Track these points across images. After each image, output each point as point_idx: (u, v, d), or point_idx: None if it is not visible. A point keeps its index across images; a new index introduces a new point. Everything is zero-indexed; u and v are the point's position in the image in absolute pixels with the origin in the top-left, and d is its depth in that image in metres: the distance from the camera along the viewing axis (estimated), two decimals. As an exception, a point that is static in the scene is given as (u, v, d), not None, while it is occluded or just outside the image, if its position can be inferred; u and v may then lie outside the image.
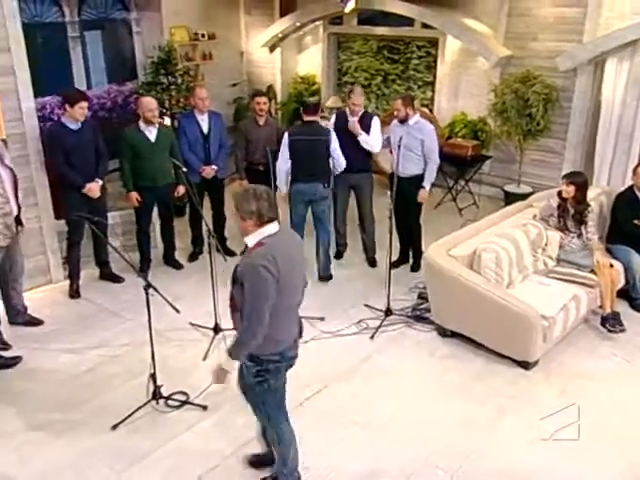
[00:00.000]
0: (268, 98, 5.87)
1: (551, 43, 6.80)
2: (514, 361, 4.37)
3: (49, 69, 5.76)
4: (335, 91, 9.09)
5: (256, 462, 3.52)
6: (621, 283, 4.99)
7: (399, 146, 5.07)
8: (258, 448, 3.52)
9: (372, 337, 4.75)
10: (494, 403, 4.00)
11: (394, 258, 5.57)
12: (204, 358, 4.48)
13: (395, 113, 5.46)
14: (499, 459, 3.56)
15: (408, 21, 7.94)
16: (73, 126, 4.90)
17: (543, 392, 4.12)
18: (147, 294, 3.78)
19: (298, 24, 8.58)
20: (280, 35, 8.77)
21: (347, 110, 5.57)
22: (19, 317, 4.82)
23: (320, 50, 9.03)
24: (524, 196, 6.68)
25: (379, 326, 4.84)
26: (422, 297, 5.25)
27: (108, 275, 5.54)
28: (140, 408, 3.89)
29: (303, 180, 5.28)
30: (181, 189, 5.59)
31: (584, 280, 4.75)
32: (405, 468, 3.49)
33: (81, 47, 6.39)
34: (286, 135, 5.27)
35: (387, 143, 5.65)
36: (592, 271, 4.82)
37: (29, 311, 4.93)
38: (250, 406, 3.20)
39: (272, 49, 9.01)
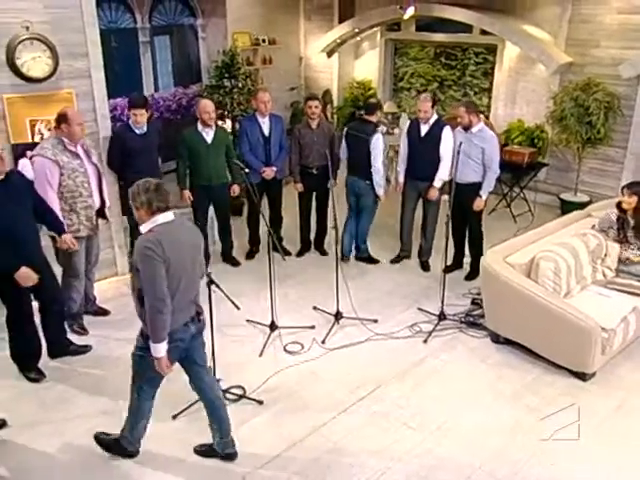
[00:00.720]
0: (323, 102, 5.87)
1: (614, 50, 6.54)
2: (570, 372, 4.22)
3: (121, 72, 5.92)
4: (391, 96, 9.02)
5: (202, 452, 3.57)
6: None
7: (458, 152, 4.97)
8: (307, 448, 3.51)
9: (425, 341, 4.67)
10: (549, 414, 3.87)
11: (446, 263, 5.46)
12: (260, 354, 4.50)
13: (458, 120, 5.36)
14: (554, 470, 3.44)
15: (466, 28, 7.81)
16: (138, 130, 5.02)
17: (600, 405, 3.96)
18: (210, 290, 3.81)
19: (356, 30, 8.55)
20: (338, 41, 8.76)
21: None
22: (89, 306, 4.96)
23: (377, 56, 8.98)
24: (581, 205, 6.48)
25: (432, 330, 4.76)
26: (475, 303, 5.15)
27: None
28: (198, 400, 3.92)
29: (349, 173, 5.70)
30: (236, 188, 5.66)
31: (645, 292, 4.55)
32: (459, 475, 3.41)
33: (150, 51, 6.54)
34: (345, 128, 5.74)
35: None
36: (653, 283, 4.62)
37: (97, 301, 5.07)
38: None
39: (330, 54, 9.01)
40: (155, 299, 2.94)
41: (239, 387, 4.09)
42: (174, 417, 3.84)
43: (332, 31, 8.75)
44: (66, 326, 4.59)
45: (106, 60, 5.09)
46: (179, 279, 3.04)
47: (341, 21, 8.74)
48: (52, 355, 4.39)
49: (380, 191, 5.62)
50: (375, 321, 4.92)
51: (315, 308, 5.11)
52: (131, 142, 4.96)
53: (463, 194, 5.25)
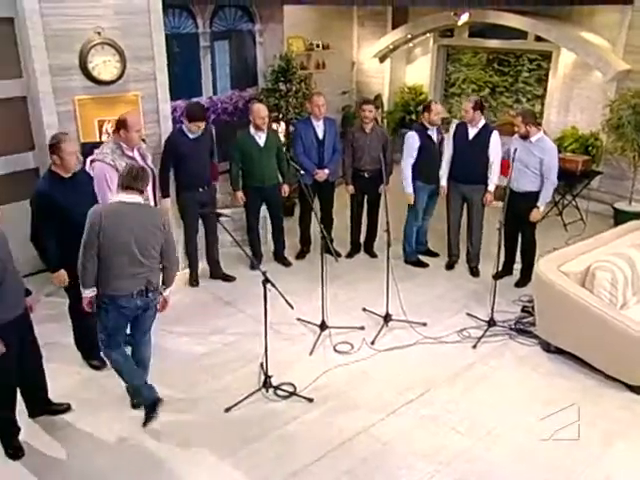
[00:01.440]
0: (375, 107, 5.81)
1: (675, 58, 6.29)
2: (625, 385, 4.06)
3: (181, 75, 6.01)
4: (441, 102, 8.89)
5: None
6: None
7: (513, 159, 4.85)
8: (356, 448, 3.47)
9: (474, 346, 4.58)
10: (602, 427, 3.72)
11: (497, 270, 5.34)
12: (310, 353, 4.50)
13: (515, 129, 5.23)
14: (608, 484, 3.32)
15: (520, 34, 7.62)
16: (191, 135, 5.05)
17: (656, 420, 3.80)
18: (265, 289, 3.84)
19: (409, 36, 8.48)
20: (391, 46, 8.70)
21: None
22: None
23: (429, 61, 8.88)
24: (636, 214, 6.24)
25: (482, 336, 4.66)
26: (525, 310, 5.01)
27: (220, 275, 5.61)
28: (251, 395, 3.97)
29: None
30: (286, 188, 5.68)
31: None
32: (510, 483, 3.33)
33: (210, 55, 6.63)
34: None
35: (506, 156, 5.42)
36: None
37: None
38: None
39: (382, 60, 8.96)
40: (80, 255, 3.46)
41: (290, 384, 4.10)
42: (227, 410, 3.86)
43: (385, 37, 8.70)
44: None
45: (169, 64, 5.18)
46: (115, 249, 3.45)
47: (394, 27, 8.68)
48: None
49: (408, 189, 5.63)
50: (424, 324, 4.85)
51: (364, 309, 5.07)
52: (183, 146, 5.01)
53: (518, 203, 5.11)
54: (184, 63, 6.27)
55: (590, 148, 7.05)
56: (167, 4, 5.09)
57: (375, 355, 4.48)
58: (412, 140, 5.53)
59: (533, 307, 4.84)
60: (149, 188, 4.55)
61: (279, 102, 6.71)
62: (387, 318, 4.83)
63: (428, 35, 8.64)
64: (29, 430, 3.65)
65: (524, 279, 5.48)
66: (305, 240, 6.11)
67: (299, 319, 4.85)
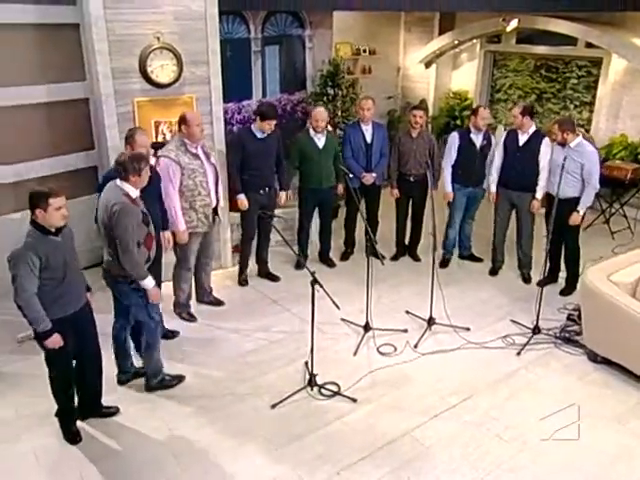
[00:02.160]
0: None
1: None
2: (676, 399, 3.89)
3: (233, 79, 6.04)
4: (486, 107, 8.70)
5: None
6: None
7: (562, 166, 4.71)
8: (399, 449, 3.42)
9: (519, 353, 4.46)
10: (654, 442, 3.58)
11: (542, 277, 5.20)
12: (354, 353, 4.47)
13: (553, 137, 5.10)
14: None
15: (570, 40, 7.41)
16: (259, 134, 5.06)
17: None
18: (313, 289, 3.83)
19: (456, 42, 8.35)
20: (437, 52, 8.59)
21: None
22: (205, 296, 5.10)
23: (475, 67, 8.72)
24: (688, 225, 5.98)
25: (526, 343, 4.54)
26: (571, 319, 4.86)
27: (266, 274, 5.63)
28: (296, 392, 3.96)
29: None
30: (340, 187, 5.66)
31: None
32: (556, 494, 3.23)
33: (261, 60, 6.66)
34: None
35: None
36: None
37: (212, 292, 5.18)
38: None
39: (428, 65, 8.85)
40: (134, 248, 3.51)
41: (334, 384, 4.07)
42: (273, 406, 3.87)
43: (432, 43, 8.59)
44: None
45: (221, 68, 5.21)
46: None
47: (441, 33, 8.56)
48: None
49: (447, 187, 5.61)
50: (467, 329, 4.76)
51: (407, 312, 5.01)
52: (250, 145, 5.02)
53: (560, 209, 4.96)
54: (236, 67, 6.30)
55: (640, 156, 6.81)
56: (222, 11, 5.14)
57: (418, 358, 4.42)
58: (452, 140, 5.56)
59: (579, 316, 4.70)
60: (212, 186, 4.63)
61: (327, 106, 6.68)
62: (430, 322, 4.76)
63: (475, 41, 8.49)
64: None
65: (569, 287, 5.33)
66: (350, 242, 6.08)
67: (343, 319, 4.82)
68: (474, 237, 6.07)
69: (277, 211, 5.60)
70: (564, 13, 6.95)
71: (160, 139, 5.08)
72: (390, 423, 3.74)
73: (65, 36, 5.03)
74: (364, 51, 8.51)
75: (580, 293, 4.56)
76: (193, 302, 5.00)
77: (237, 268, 5.58)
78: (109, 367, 3.92)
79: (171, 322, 4.75)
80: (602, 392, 4.05)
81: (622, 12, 6.76)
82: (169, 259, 4.68)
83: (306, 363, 4.20)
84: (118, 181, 3.55)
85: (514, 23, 7.26)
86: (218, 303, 5.11)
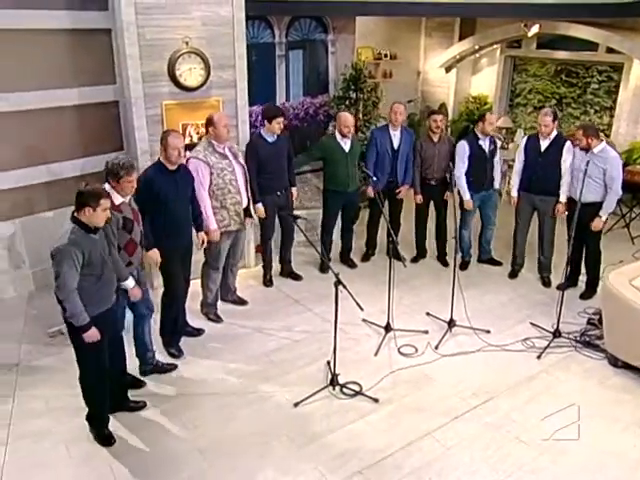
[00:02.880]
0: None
1: None
2: (699, 405, 3.81)
3: (258, 82, 6.06)
4: (506, 112, 8.64)
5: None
6: None
7: (585, 171, 4.64)
8: (420, 450, 3.38)
9: (539, 357, 4.40)
10: (676, 449, 3.51)
11: (563, 280, 5.13)
12: (375, 354, 4.44)
13: (576, 142, 5.02)
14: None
15: (590, 46, 7.31)
16: (269, 138, 5.03)
17: None
18: (337, 290, 3.81)
19: (477, 47, 8.28)
20: (458, 57, 8.54)
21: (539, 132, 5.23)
22: (229, 295, 5.11)
23: (495, 71, 8.65)
24: None
25: (547, 346, 4.48)
26: (591, 323, 4.78)
27: (289, 273, 5.63)
28: (319, 391, 3.95)
29: None
30: (371, 190, 5.50)
31: None
32: (579, 499, 3.18)
33: (285, 64, 6.68)
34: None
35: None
36: None
37: (236, 292, 5.18)
38: None
39: (448, 69, 8.80)
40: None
41: (356, 383, 4.05)
42: (296, 405, 3.86)
43: (452, 47, 8.54)
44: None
45: (247, 71, 5.22)
46: None
47: (462, 38, 8.50)
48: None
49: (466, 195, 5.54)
50: (488, 332, 4.70)
51: (428, 314, 4.97)
52: (262, 150, 5.01)
53: (582, 213, 4.88)
54: (260, 71, 6.32)
55: (661, 161, 6.68)
56: (248, 16, 5.15)
57: (439, 360, 4.38)
58: (462, 149, 5.46)
59: (599, 320, 4.63)
60: (241, 184, 4.63)
61: (349, 109, 6.68)
62: (451, 323, 4.72)
63: (495, 46, 8.41)
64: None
65: (589, 291, 5.26)
66: (372, 244, 6.04)
67: (364, 320, 4.80)
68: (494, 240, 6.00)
69: (300, 212, 5.59)
70: (585, 19, 6.85)
71: (187, 141, 5.10)
72: (411, 424, 3.71)
73: (97, 41, 5.08)
74: (385, 56, 8.48)
75: (602, 297, 4.48)
76: (218, 301, 5.01)
77: (260, 268, 5.59)
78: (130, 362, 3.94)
79: (196, 320, 4.78)
80: (622, 397, 3.97)
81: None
82: (198, 257, 4.69)
83: (328, 362, 4.19)
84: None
85: (535, 28, 7.18)
86: (241, 302, 5.11)
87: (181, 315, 4.43)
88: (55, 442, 3.53)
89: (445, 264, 5.92)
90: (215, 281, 4.80)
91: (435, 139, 5.57)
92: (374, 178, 4.71)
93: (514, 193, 5.44)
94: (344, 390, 3.99)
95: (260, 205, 5.04)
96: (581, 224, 4.94)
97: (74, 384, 3.53)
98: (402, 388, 4.06)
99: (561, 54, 7.76)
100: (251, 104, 5.65)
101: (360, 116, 6.79)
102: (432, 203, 5.84)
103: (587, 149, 4.92)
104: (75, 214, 3.13)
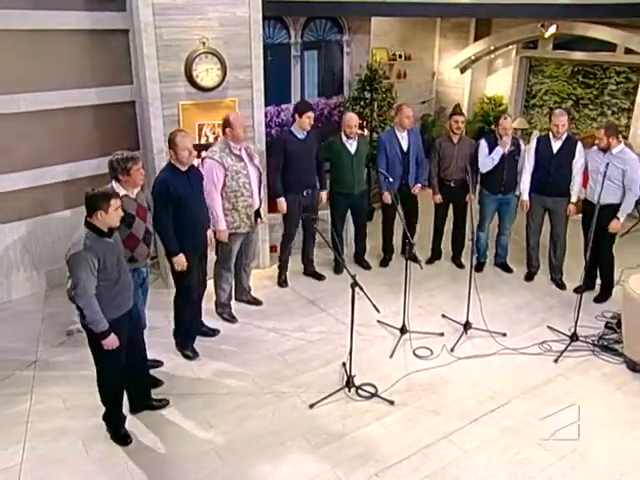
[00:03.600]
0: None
1: None
2: None
3: (273, 83, 6.05)
4: (522, 113, 8.57)
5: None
6: None
7: (604, 173, 4.59)
8: (437, 453, 3.35)
9: (556, 360, 4.35)
10: (697, 455, 3.45)
11: (580, 283, 5.07)
12: (390, 356, 4.42)
13: (596, 142, 4.96)
14: None
15: (608, 46, 7.22)
16: (300, 135, 5.04)
17: None
18: (353, 291, 3.80)
19: (492, 47, 8.22)
20: (473, 57, 8.48)
21: (550, 132, 5.18)
22: (244, 295, 5.11)
23: (510, 72, 8.58)
24: None
25: (564, 350, 4.43)
26: (609, 327, 4.72)
27: (312, 273, 5.63)
28: (335, 393, 3.93)
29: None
30: (387, 195, 5.43)
31: None
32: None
33: (300, 64, 6.66)
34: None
35: (585, 168, 5.15)
36: None
37: (251, 292, 5.17)
38: None
39: (463, 70, 8.74)
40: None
41: (371, 385, 4.03)
42: (311, 406, 3.85)
43: (467, 48, 8.48)
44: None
45: (263, 72, 5.22)
46: None
47: (477, 39, 8.44)
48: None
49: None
50: (504, 335, 4.66)
51: (444, 316, 4.94)
52: (291, 146, 5.00)
53: (599, 215, 4.82)
54: (276, 71, 6.30)
55: (679, 164, 6.56)
56: (264, 16, 5.14)
57: (454, 362, 4.34)
58: (482, 148, 5.42)
59: (617, 324, 4.58)
60: (255, 187, 4.63)
61: (364, 110, 6.65)
62: (467, 326, 4.68)
63: (511, 47, 8.34)
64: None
65: (603, 294, 5.20)
66: (388, 248, 5.96)
67: (379, 321, 4.78)
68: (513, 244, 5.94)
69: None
70: (604, 19, 6.77)
71: (203, 141, 5.12)
72: (427, 426, 3.68)
73: (115, 41, 5.11)
74: (400, 56, 8.46)
75: (622, 301, 4.42)
76: (232, 301, 5.01)
77: (275, 268, 5.59)
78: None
79: (212, 320, 4.78)
80: (641, 402, 3.93)
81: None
82: (212, 256, 4.69)
83: (344, 364, 4.17)
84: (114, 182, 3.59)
85: (552, 29, 7.11)
86: (256, 302, 5.11)
87: (197, 316, 4.43)
88: (73, 440, 3.54)
89: (460, 266, 5.87)
90: (227, 281, 4.80)
91: (455, 140, 5.53)
92: (390, 179, 4.68)
93: (525, 197, 5.35)
94: (360, 392, 3.97)
95: (282, 199, 5.01)
96: (597, 226, 4.88)
97: (91, 382, 3.55)
98: (417, 391, 4.03)
99: (578, 55, 7.68)
100: (266, 104, 5.64)
101: (375, 116, 6.75)
102: (451, 206, 5.78)
103: (606, 149, 4.86)
104: (88, 219, 3.10)
